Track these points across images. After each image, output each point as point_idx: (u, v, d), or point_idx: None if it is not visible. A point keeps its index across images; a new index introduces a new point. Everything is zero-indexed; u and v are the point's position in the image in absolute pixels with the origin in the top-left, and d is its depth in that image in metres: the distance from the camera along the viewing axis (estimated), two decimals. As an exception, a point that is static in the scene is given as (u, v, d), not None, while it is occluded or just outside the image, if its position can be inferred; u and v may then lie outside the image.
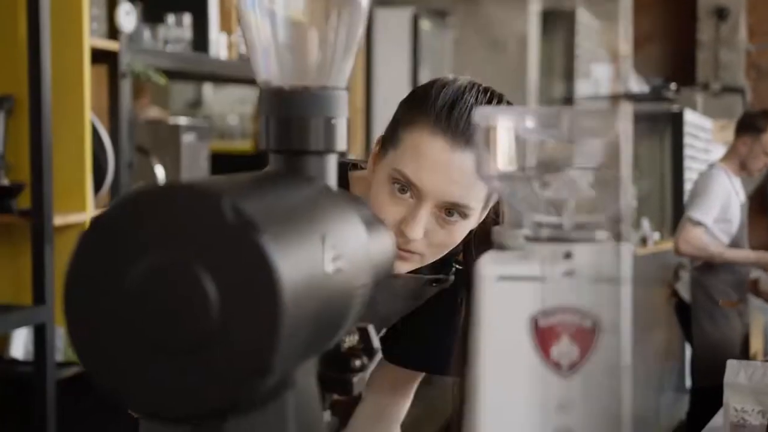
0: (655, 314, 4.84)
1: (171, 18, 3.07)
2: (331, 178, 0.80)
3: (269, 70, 0.80)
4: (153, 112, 3.77)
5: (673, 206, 6.85)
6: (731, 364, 1.94)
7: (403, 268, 1.27)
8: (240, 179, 0.72)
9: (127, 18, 2.64)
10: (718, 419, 2.07)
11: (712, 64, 9.12)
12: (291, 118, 0.78)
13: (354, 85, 4.75)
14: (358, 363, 0.78)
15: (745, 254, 4.38)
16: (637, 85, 5.54)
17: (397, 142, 1.24)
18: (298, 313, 0.62)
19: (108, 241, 0.63)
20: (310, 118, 0.78)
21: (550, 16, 6.26)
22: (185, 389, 0.61)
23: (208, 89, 5.32)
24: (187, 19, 3.03)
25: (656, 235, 5.65)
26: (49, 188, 2.37)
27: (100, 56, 2.63)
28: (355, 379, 0.77)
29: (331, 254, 0.69)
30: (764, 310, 5.11)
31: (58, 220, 2.44)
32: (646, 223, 5.71)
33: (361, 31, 0.81)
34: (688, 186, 6.86)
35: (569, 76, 6.94)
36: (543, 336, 0.68)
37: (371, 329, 0.85)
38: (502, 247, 0.78)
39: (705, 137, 7.29)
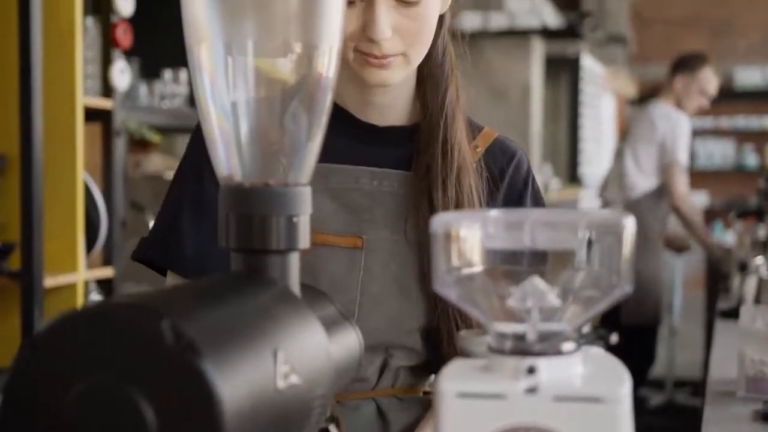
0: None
1: (168, 73, 3.06)
2: (293, 277, 0.77)
3: (230, 165, 0.78)
4: (156, 160, 3.75)
5: (569, 153, 6.94)
6: (746, 309, 1.75)
7: (392, 76, 1.19)
8: (189, 290, 0.70)
9: (122, 76, 2.63)
10: (730, 371, 1.82)
11: (596, 13, 9.20)
12: (252, 216, 0.76)
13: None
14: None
15: (711, 242, 4.50)
16: (552, 17, 5.56)
17: None
18: (240, 441, 0.59)
19: (46, 361, 0.61)
20: (271, 216, 0.76)
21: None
22: None
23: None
24: (183, 74, 3.03)
25: (556, 182, 5.72)
26: (40, 249, 2.35)
27: (94, 114, 2.62)
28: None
29: (284, 369, 0.67)
30: None
31: (49, 281, 2.41)
32: (548, 169, 5.76)
33: (323, 126, 0.79)
34: (583, 133, 6.99)
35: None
36: (502, 461, 0.64)
37: (333, 429, 0.82)
38: (466, 354, 0.75)
39: (598, 83, 7.47)
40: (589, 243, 0.67)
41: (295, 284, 0.77)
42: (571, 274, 0.69)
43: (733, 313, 2.77)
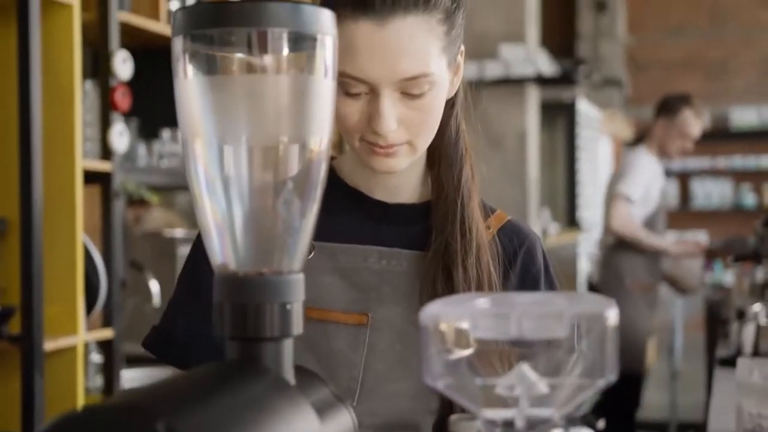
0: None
1: (166, 133, 3.10)
2: (287, 363, 0.79)
3: (224, 254, 0.80)
4: (157, 215, 3.77)
5: (567, 197, 6.95)
6: (743, 362, 1.75)
7: (398, 164, 1.18)
8: (184, 383, 0.71)
9: (121, 138, 2.66)
10: (730, 422, 1.80)
11: (592, 56, 9.27)
12: (246, 304, 0.78)
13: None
14: None
15: (666, 244, 4.43)
16: (547, 66, 5.60)
17: None
18: None
19: (44, 462, 0.62)
20: (265, 304, 0.77)
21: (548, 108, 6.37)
22: None
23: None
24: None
25: (555, 227, 5.74)
26: (40, 313, 2.37)
27: (93, 176, 2.65)
28: None
29: (278, 460, 0.68)
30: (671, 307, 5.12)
31: (49, 344, 2.42)
32: (546, 214, 5.78)
33: (315, 214, 0.81)
34: (580, 177, 7.02)
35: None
36: None
37: None
38: (458, 439, 0.76)
39: (595, 127, 7.50)
40: (575, 334, 0.69)
41: (289, 370, 0.79)
42: (558, 363, 0.70)
43: (731, 361, 2.77)
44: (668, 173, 10.23)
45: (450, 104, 1.25)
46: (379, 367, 1.19)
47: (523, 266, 1.28)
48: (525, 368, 0.70)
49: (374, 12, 1.11)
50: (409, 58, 1.11)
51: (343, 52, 1.10)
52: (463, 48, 1.23)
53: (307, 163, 0.80)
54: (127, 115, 2.82)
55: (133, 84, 2.77)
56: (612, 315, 0.68)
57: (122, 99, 2.67)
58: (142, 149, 2.97)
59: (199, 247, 1.25)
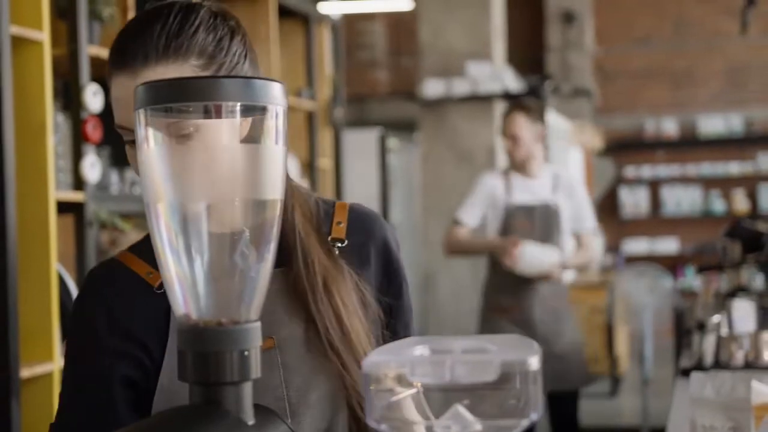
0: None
1: (137, 160, 3.16)
2: (247, 404, 0.86)
3: (186, 306, 0.87)
4: (133, 238, 3.82)
5: None
6: (696, 377, 1.80)
7: None
8: (145, 428, 0.78)
9: (92, 169, 2.72)
10: None
11: (560, 67, 9.42)
12: (207, 352, 0.85)
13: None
14: None
15: (481, 240, 4.29)
16: (513, 82, 5.61)
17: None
18: None
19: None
20: (225, 352, 0.85)
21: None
22: None
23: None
24: (153, 159, 3.09)
25: None
26: (16, 342, 2.42)
27: (66, 207, 2.70)
28: None
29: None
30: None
31: (25, 372, 2.48)
32: None
33: (269, 270, 0.88)
34: None
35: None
36: None
37: None
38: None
39: (565, 138, 7.58)
40: (502, 378, 0.76)
41: (248, 411, 0.86)
42: (488, 404, 0.78)
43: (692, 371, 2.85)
44: (639, 181, 10.44)
45: None
46: (297, 381, 1.26)
47: (381, 253, 1.35)
48: (459, 408, 0.78)
49: (128, 66, 1.18)
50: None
51: (113, 105, 1.21)
52: None
53: (261, 218, 0.88)
54: (99, 145, 2.88)
55: (103, 113, 2.83)
56: (534, 361, 0.76)
57: (93, 131, 2.73)
58: (114, 177, 3.03)
59: (93, 327, 1.26)
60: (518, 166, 4.17)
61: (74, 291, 2.66)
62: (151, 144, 0.86)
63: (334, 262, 1.29)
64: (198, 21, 1.20)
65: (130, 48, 1.18)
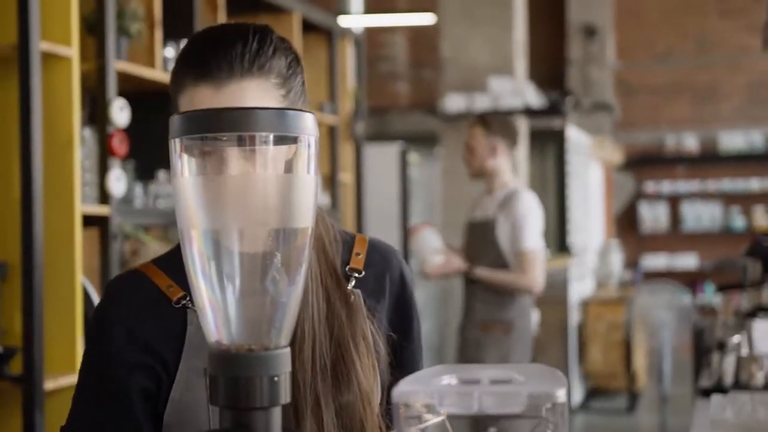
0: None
1: (162, 174, 3.19)
2: (275, 429, 0.87)
3: (218, 332, 0.88)
4: (155, 249, 3.84)
5: (558, 222, 7.02)
6: (716, 399, 1.82)
7: None
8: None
9: (118, 183, 2.75)
10: None
11: (581, 82, 9.38)
12: (238, 378, 0.86)
13: (345, 217, 4.86)
14: None
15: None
16: (534, 98, 5.62)
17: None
18: None
19: None
20: (255, 378, 0.86)
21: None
22: None
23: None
24: (177, 173, 3.11)
25: (546, 253, 5.80)
26: (41, 354, 2.45)
27: (91, 220, 2.74)
28: None
29: None
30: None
31: (50, 384, 2.50)
32: None
33: (299, 295, 0.90)
34: (571, 202, 7.08)
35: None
36: None
37: None
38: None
39: (585, 153, 7.56)
40: (529, 409, 0.78)
41: (277, 436, 0.87)
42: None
43: (713, 392, 2.84)
44: (659, 196, 10.40)
45: None
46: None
47: (395, 288, 1.36)
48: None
49: (212, 77, 1.19)
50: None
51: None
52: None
53: (292, 246, 0.89)
54: (124, 158, 2.91)
55: (130, 127, 2.86)
56: (561, 393, 0.77)
57: (119, 145, 2.76)
58: (139, 190, 3.06)
59: (111, 336, 1.26)
60: (474, 177, 4.23)
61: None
62: (185, 173, 0.87)
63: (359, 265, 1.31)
64: (274, 43, 1.23)
65: (213, 61, 1.20)
